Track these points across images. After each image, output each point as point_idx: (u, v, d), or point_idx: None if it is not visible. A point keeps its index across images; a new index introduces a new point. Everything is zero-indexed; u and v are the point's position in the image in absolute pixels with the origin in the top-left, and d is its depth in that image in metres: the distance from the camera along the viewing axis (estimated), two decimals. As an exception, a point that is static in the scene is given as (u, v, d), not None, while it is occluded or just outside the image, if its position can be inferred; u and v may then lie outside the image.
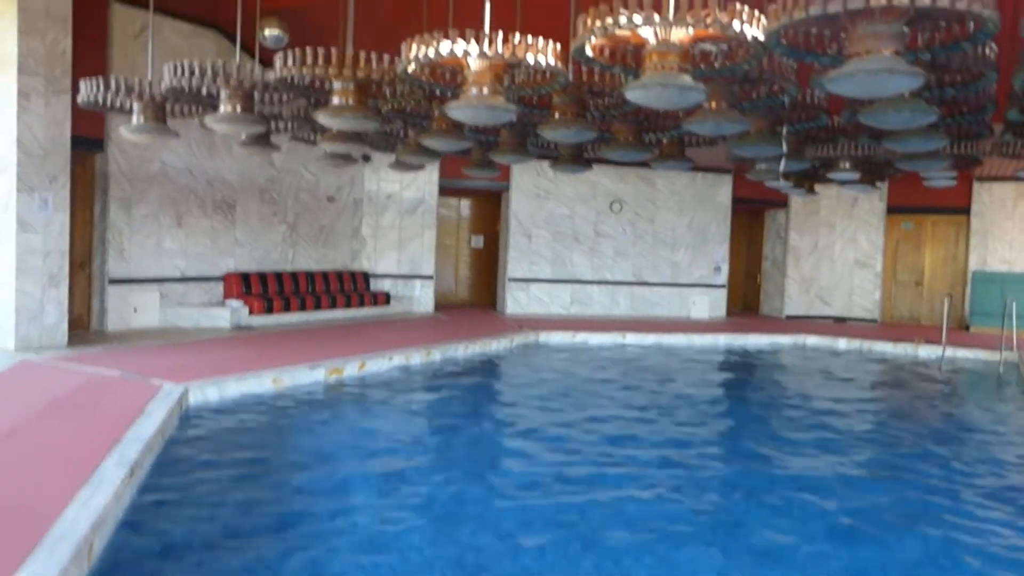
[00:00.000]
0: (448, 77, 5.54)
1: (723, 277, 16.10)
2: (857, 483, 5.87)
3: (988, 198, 15.34)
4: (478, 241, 16.51)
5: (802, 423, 7.80)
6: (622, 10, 4.24)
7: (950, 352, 12.13)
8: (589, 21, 4.46)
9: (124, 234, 10.56)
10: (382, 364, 9.42)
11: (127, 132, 6.65)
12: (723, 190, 15.94)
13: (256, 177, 12.29)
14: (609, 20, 4.33)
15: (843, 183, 10.66)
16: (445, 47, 4.74)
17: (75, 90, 9.11)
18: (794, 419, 8.01)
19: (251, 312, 11.57)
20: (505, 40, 4.74)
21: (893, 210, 16.11)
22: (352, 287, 13.78)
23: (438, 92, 6.12)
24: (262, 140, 7.46)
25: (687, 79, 4.43)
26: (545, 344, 12.39)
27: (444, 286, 16.06)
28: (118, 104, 6.84)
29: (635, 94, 4.50)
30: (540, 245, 15.12)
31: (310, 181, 13.26)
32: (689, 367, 11.20)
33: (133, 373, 7.62)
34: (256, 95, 6.51)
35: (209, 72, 5.72)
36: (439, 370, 9.78)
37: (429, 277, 14.63)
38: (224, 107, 6.09)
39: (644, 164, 14.43)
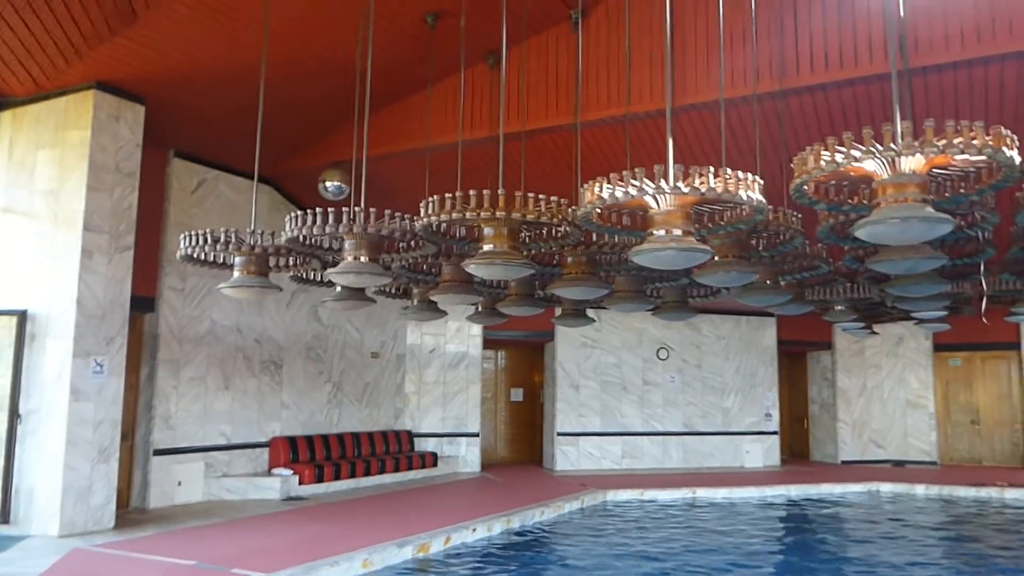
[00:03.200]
0: (615, 219, 5.08)
1: (775, 423, 15.41)
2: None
3: (1038, 332, 15.08)
4: (517, 394, 15.77)
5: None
6: (872, 141, 3.85)
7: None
8: (814, 157, 4.06)
9: (171, 399, 9.74)
10: (466, 536, 8.47)
11: (228, 288, 6.05)
12: (768, 333, 15.55)
13: (303, 334, 11.65)
14: (840, 156, 3.94)
15: (928, 321, 10.26)
16: (646, 186, 4.29)
17: (138, 247, 8.65)
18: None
19: (301, 481, 10.59)
20: (705, 175, 4.32)
21: (940, 347, 15.76)
22: (397, 448, 12.85)
23: (594, 236, 5.69)
24: (358, 293, 6.90)
25: (931, 210, 3.99)
26: (615, 503, 11.46)
27: (484, 443, 15.12)
28: (217, 259, 6.29)
29: (872, 230, 4.03)
30: (588, 396, 14.42)
31: (355, 337, 12.62)
32: (776, 525, 10.40)
33: (209, 564, 6.63)
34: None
35: (345, 221, 5.22)
36: (524, 538, 8.86)
37: (475, 435, 13.77)
38: (348, 257, 5.55)
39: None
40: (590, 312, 9.30)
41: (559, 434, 14.19)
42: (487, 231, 5.13)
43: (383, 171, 10.34)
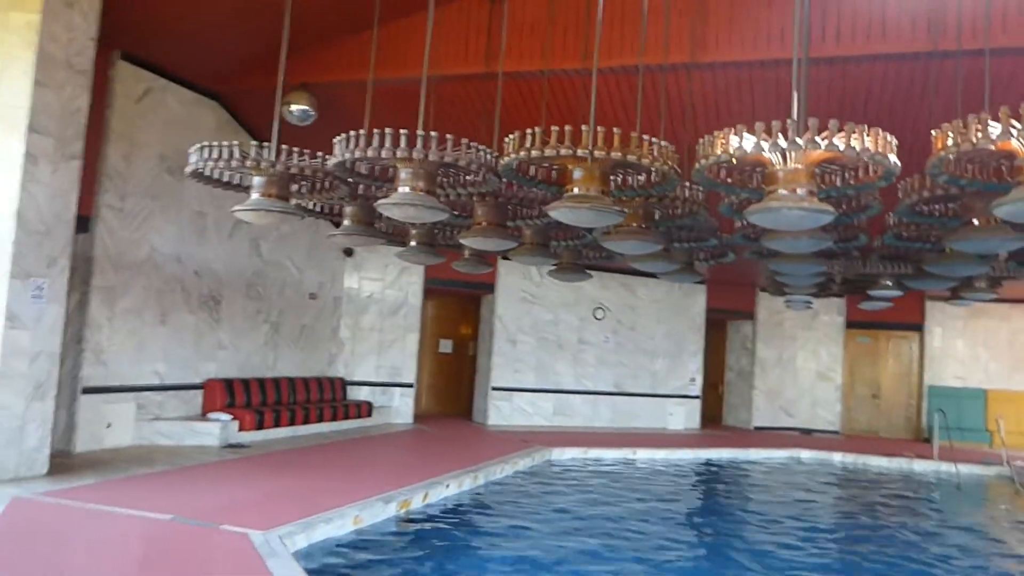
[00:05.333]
0: (726, 176, 4.74)
1: (698, 388, 15.75)
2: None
3: (941, 316, 16.06)
4: (446, 346, 15.30)
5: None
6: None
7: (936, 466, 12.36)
8: (957, 133, 3.89)
9: (104, 332, 8.67)
10: (441, 492, 8.06)
11: (244, 210, 5.27)
12: (698, 300, 15.77)
13: (244, 269, 10.68)
14: (995, 132, 3.77)
15: (881, 299, 10.60)
16: (759, 142, 3.97)
17: (87, 156, 7.55)
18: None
19: (241, 427, 9.78)
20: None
21: (852, 324, 16.52)
22: (331, 396, 12.16)
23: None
24: (371, 228, 6.22)
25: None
26: (561, 461, 11.33)
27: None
28: (229, 178, 5.47)
29: (1011, 208, 3.91)
30: (524, 352, 14.15)
31: (294, 275, 11.74)
32: (725, 487, 10.84)
33: (190, 519, 5.90)
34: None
35: (419, 147, 4.60)
36: (493, 494, 8.69)
37: (410, 385, 13.23)
38: (403, 187, 4.91)
39: (625, 271, 14.03)
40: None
41: (494, 388, 13.88)
42: (577, 173, 4.66)
43: (343, 98, 9.46)
